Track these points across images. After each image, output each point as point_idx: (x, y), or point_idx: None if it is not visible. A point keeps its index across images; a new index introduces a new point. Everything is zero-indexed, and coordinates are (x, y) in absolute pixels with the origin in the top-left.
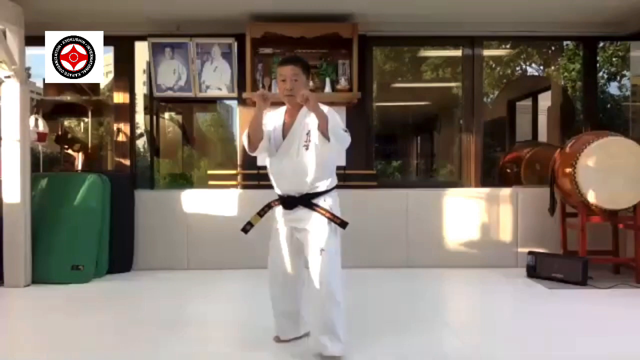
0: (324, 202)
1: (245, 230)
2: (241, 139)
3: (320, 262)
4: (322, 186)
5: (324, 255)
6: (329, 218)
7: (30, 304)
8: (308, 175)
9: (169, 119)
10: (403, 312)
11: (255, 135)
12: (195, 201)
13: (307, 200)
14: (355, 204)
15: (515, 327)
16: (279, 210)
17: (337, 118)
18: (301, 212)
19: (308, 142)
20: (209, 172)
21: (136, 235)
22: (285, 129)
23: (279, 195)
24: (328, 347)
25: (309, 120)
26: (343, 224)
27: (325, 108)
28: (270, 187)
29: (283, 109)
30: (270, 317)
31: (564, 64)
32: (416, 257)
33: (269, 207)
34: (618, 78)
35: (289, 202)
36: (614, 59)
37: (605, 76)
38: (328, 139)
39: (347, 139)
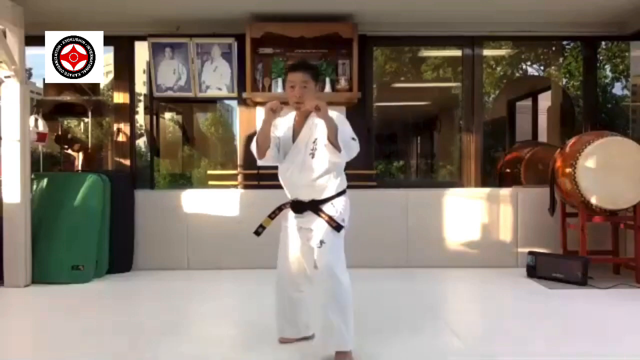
0: (332, 207)
1: (257, 233)
2: (248, 145)
3: (322, 255)
4: (330, 191)
5: (324, 247)
6: (327, 222)
7: (30, 304)
8: (315, 182)
9: (169, 119)
10: (403, 312)
11: (264, 143)
12: (195, 201)
13: (315, 206)
14: (355, 204)
15: (515, 327)
16: (290, 211)
17: (346, 126)
18: (310, 216)
19: (314, 150)
20: (209, 172)
21: (136, 235)
22: (294, 136)
23: (290, 199)
24: (335, 341)
25: (316, 128)
26: (338, 227)
27: (334, 115)
28: (271, 187)
29: (293, 114)
30: (270, 317)
31: (567, 64)
32: (416, 257)
33: (279, 209)
34: (619, 78)
35: (298, 207)
36: (614, 60)
37: (610, 75)
38: (338, 149)
39: (355, 149)
